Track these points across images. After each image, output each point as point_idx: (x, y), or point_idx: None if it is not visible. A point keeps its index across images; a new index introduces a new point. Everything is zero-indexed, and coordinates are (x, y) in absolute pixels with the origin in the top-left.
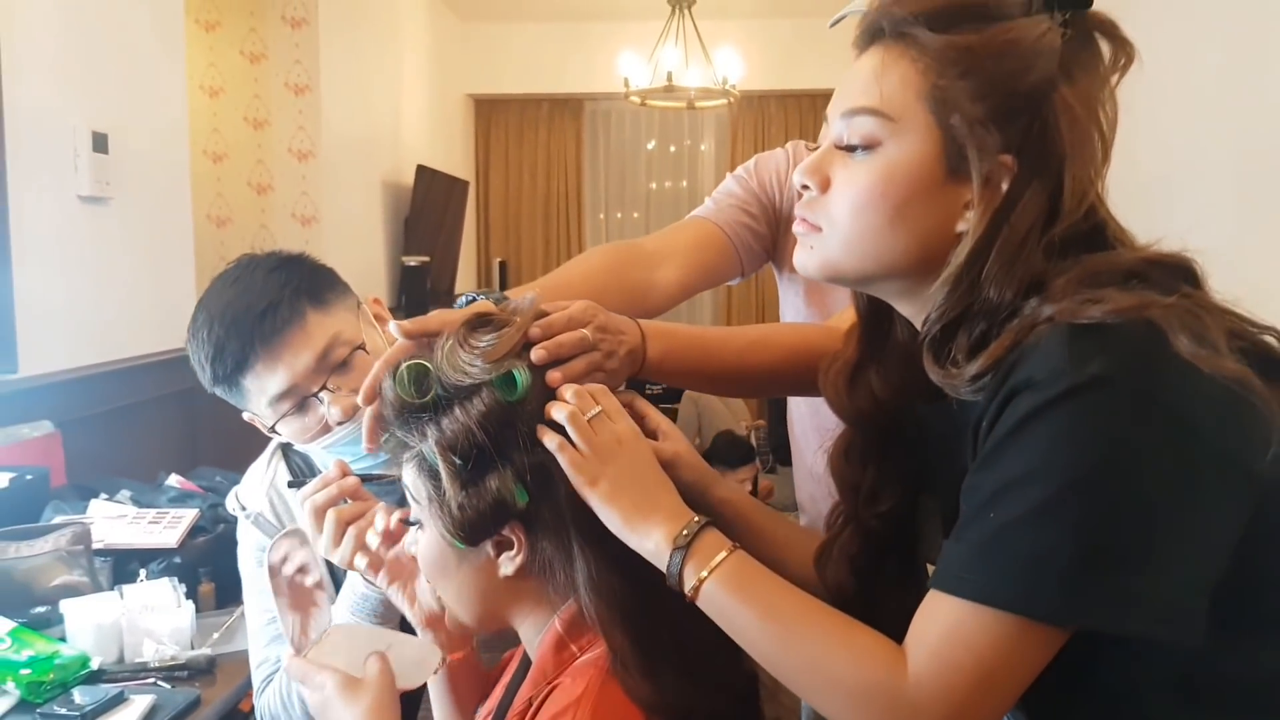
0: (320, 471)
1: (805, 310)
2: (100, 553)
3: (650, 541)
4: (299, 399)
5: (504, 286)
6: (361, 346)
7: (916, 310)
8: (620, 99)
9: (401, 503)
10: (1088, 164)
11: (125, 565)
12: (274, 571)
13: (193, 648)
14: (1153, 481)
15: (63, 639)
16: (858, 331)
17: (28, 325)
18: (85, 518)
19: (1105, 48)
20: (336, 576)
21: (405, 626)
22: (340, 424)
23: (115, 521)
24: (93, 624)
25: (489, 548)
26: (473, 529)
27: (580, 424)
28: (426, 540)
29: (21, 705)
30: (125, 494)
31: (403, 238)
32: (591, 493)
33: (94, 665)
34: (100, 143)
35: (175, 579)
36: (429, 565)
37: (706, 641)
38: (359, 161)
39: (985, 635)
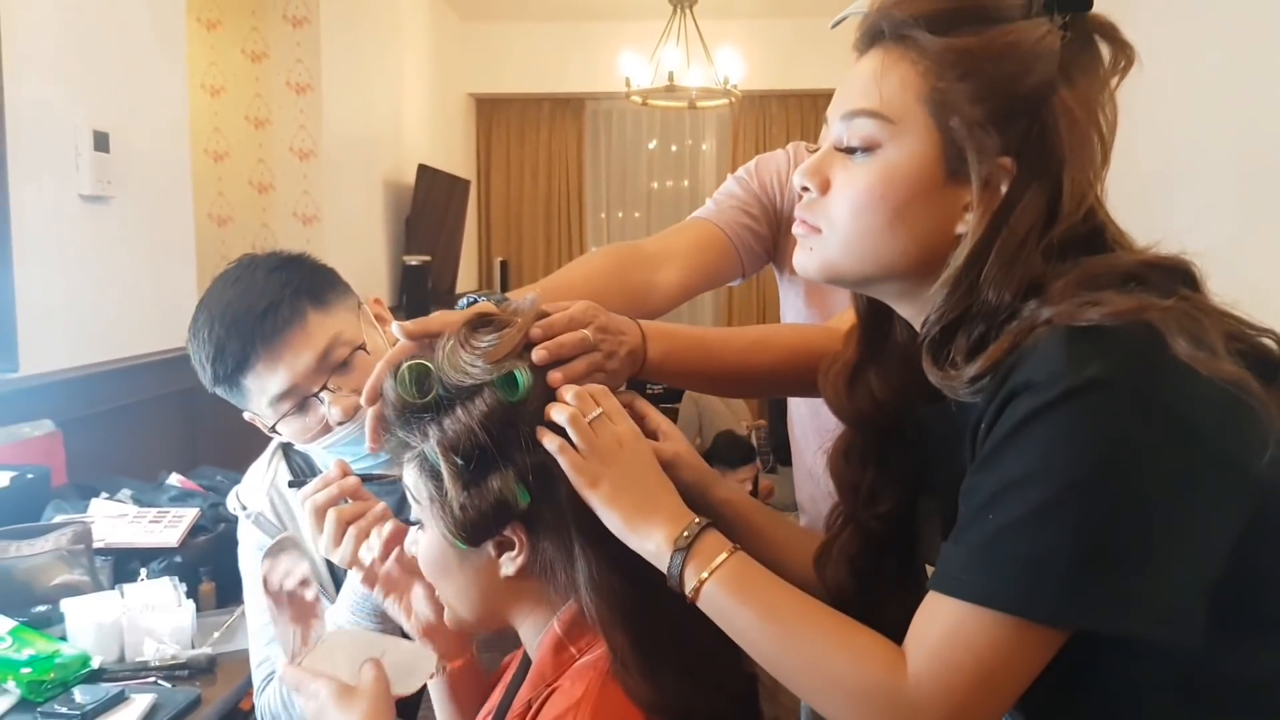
0: (321, 471)
1: (805, 311)
2: (101, 552)
3: (651, 543)
4: (299, 399)
5: (505, 286)
6: (362, 347)
7: (916, 312)
8: (621, 98)
9: (402, 503)
10: (1087, 166)
11: (126, 564)
12: (268, 582)
13: (193, 647)
14: (1152, 482)
15: (63, 638)
16: (857, 333)
17: (29, 324)
18: (86, 517)
19: (1105, 50)
20: (337, 576)
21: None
22: (340, 424)
23: (116, 521)
24: (93, 623)
25: (490, 548)
26: (474, 529)
27: (581, 426)
28: (427, 540)
29: (22, 704)
30: (126, 493)
31: (404, 237)
32: (592, 494)
33: (94, 664)
34: (101, 142)
35: (176, 578)
36: (430, 565)
37: (706, 642)
38: (360, 161)
39: (984, 636)
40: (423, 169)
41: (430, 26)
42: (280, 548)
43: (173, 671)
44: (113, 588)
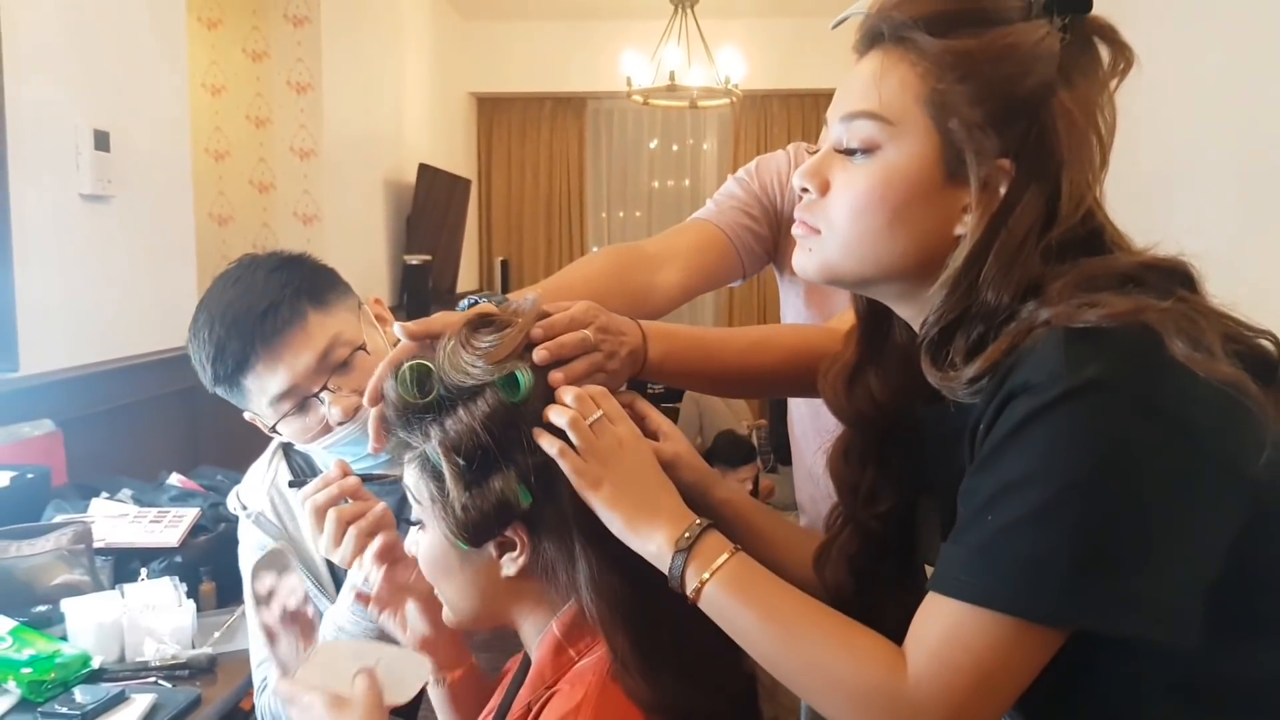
0: (321, 471)
1: (806, 312)
2: (101, 552)
3: (652, 544)
4: (300, 399)
5: (506, 285)
6: (362, 347)
7: (915, 313)
8: (623, 98)
9: (402, 502)
10: (1085, 169)
11: (126, 564)
12: (257, 597)
13: (194, 647)
14: (1151, 483)
15: (64, 638)
16: (856, 334)
17: (29, 323)
18: (86, 517)
19: (1104, 52)
20: (337, 576)
21: None
22: (340, 424)
23: (116, 520)
24: (94, 623)
25: (491, 548)
26: (476, 530)
27: (581, 429)
28: (428, 540)
29: (23, 704)
30: (126, 493)
31: (405, 236)
32: (594, 496)
33: (95, 664)
34: (102, 141)
35: (176, 578)
36: (430, 565)
37: (706, 643)
38: (361, 160)
39: (984, 637)
40: (423, 168)
41: (431, 25)
42: (266, 563)
43: (173, 671)
44: (113, 588)
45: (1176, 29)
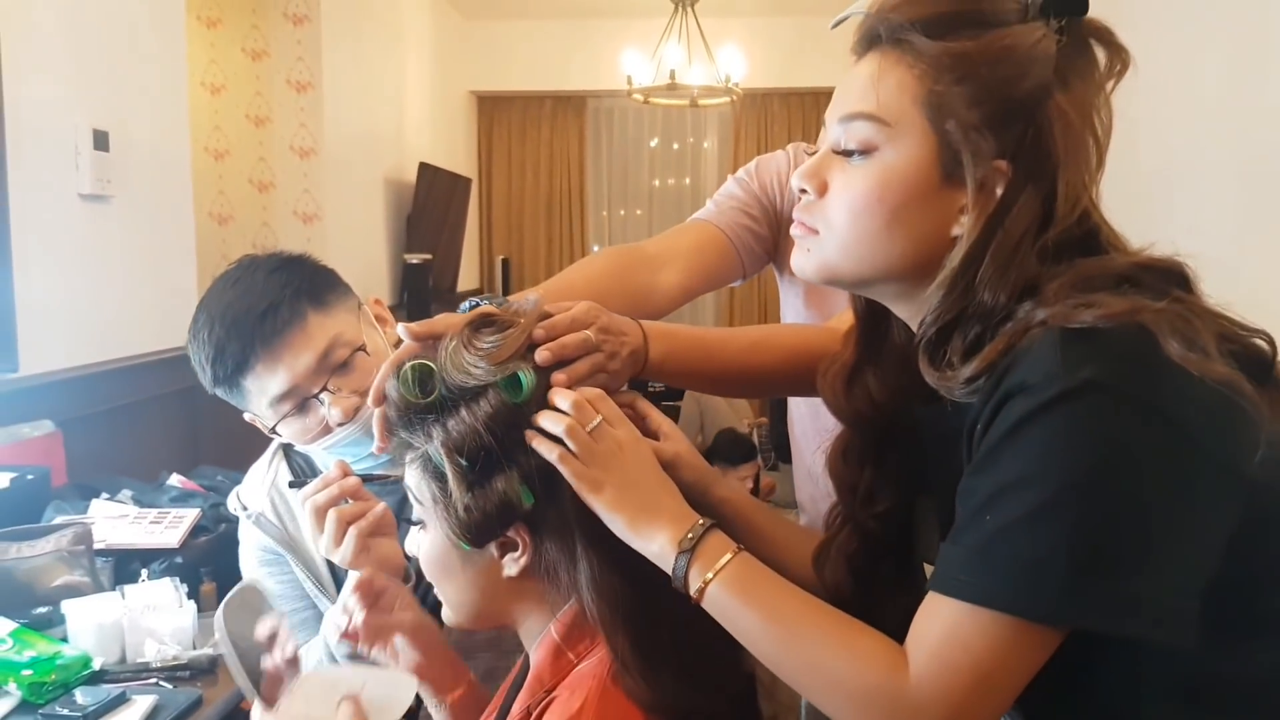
0: (321, 472)
1: (805, 312)
2: (101, 553)
3: (655, 544)
4: (299, 400)
5: (507, 284)
6: (362, 348)
7: (913, 313)
8: (623, 96)
9: (403, 503)
10: (1082, 170)
11: (127, 565)
12: (230, 635)
13: (194, 648)
14: (1149, 484)
15: (64, 639)
16: (855, 334)
17: (28, 324)
18: (86, 518)
19: (1101, 54)
20: (337, 576)
21: None
22: (340, 425)
23: (116, 521)
24: (94, 624)
25: (493, 549)
26: (478, 530)
27: (579, 436)
28: (430, 541)
29: (23, 706)
30: (126, 494)
31: (405, 235)
32: (596, 499)
33: (96, 666)
34: (101, 140)
35: (177, 579)
36: (431, 565)
37: (706, 643)
38: (361, 159)
39: (983, 637)
40: (424, 167)
41: (432, 24)
42: (237, 602)
43: (174, 672)
44: (113, 589)
45: (1175, 30)
